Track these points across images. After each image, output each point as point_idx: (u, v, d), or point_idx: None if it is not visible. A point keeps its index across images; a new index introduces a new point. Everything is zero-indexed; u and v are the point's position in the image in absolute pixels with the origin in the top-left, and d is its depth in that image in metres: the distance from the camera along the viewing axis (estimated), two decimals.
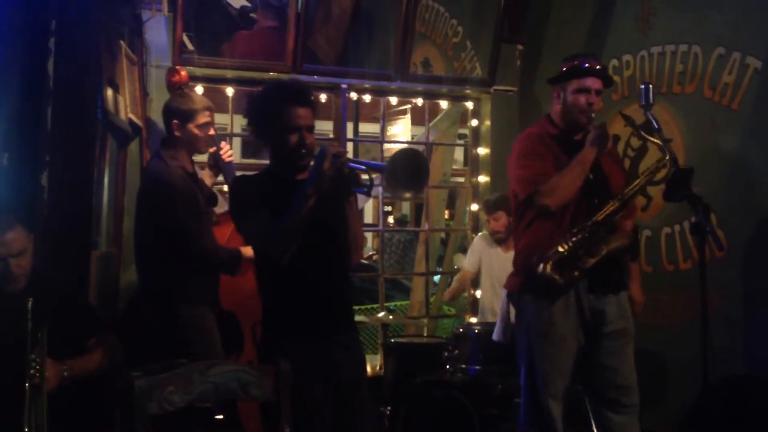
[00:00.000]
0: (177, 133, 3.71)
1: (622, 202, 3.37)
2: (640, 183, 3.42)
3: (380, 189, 6.10)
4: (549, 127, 3.55)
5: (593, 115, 3.47)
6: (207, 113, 3.74)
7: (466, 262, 5.38)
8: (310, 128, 2.76)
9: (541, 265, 3.32)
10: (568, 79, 3.48)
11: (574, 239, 3.31)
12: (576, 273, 3.31)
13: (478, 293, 5.37)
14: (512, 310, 3.83)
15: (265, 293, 2.84)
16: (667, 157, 3.40)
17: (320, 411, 2.72)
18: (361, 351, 2.97)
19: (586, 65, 3.48)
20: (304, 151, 2.74)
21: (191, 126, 3.71)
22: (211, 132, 3.77)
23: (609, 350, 3.40)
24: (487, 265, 5.19)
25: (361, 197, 7.59)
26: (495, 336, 4.46)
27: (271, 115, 2.74)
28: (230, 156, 4.03)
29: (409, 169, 2.51)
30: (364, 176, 2.68)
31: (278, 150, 2.80)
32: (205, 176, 3.99)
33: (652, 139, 3.53)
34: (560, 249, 3.30)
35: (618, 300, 3.44)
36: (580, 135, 3.51)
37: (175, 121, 3.71)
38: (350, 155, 4.58)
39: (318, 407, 2.71)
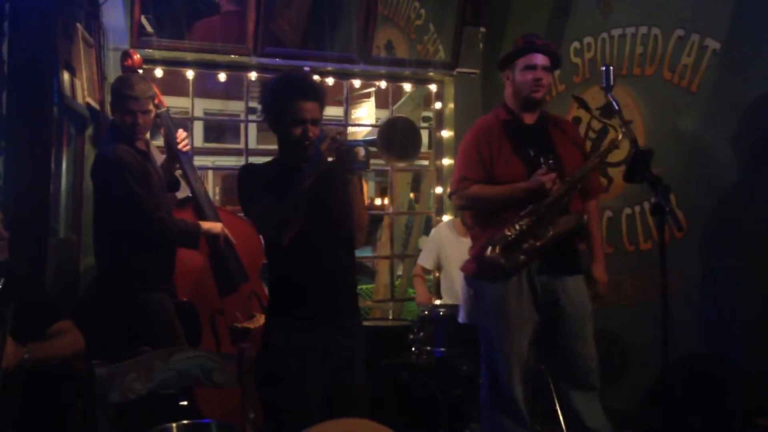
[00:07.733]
0: (111, 114, 3.74)
1: (570, 186, 3.40)
2: (587, 167, 3.45)
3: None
4: (502, 113, 3.59)
5: (543, 92, 3.51)
6: (136, 102, 3.63)
7: (421, 257, 5.22)
8: (315, 121, 2.85)
9: (489, 249, 3.37)
10: (516, 59, 3.53)
11: (521, 222, 3.35)
12: (522, 257, 3.35)
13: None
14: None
15: (272, 275, 2.95)
16: (619, 137, 3.45)
17: (309, 395, 2.78)
18: (362, 335, 3.04)
19: (531, 43, 3.54)
20: (307, 143, 2.82)
21: (118, 110, 3.68)
22: (141, 121, 3.65)
23: (567, 333, 3.44)
24: (450, 257, 4.97)
25: None
26: (460, 318, 4.48)
27: (280, 107, 2.84)
28: (186, 146, 3.97)
29: (400, 137, 2.56)
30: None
31: (284, 140, 2.90)
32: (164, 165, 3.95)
33: (606, 121, 3.61)
34: (507, 233, 3.35)
35: (571, 282, 3.47)
36: (532, 119, 3.54)
37: (110, 101, 3.74)
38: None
39: (306, 392, 2.77)
